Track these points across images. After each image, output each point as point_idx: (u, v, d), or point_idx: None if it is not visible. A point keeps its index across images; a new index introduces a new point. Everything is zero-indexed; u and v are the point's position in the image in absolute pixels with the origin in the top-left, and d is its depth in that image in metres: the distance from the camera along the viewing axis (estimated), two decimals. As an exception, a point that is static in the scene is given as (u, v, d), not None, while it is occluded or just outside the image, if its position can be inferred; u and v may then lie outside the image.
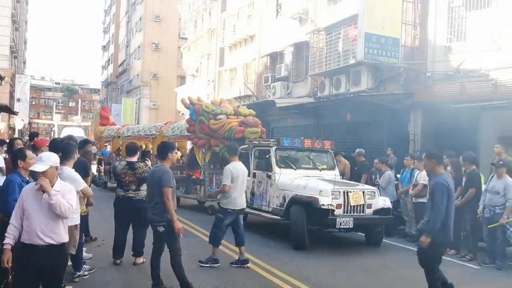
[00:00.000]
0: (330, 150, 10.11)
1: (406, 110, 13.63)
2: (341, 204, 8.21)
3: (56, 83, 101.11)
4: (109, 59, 67.67)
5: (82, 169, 6.20)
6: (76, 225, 5.29)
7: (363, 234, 9.36)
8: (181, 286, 5.63)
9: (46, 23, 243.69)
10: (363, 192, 8.51)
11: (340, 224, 7.98)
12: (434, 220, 5.07)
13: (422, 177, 9.35)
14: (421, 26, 13.52)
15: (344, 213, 8.21)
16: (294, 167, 9.47)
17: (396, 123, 14.02)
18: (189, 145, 15.80)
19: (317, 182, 8.65)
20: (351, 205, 8.26)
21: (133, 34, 50.90)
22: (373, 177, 10.94)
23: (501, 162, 7.91)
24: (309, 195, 8.33)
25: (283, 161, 9.54)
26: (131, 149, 7.26)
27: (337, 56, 14.94)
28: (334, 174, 9.63)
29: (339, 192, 8.24)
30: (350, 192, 8.34)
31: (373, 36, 13.10)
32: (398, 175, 10.53)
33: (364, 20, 13.04)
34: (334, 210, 8.07)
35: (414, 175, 9.72)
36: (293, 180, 8.96)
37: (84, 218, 6.31)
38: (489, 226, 7.68)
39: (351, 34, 14.34)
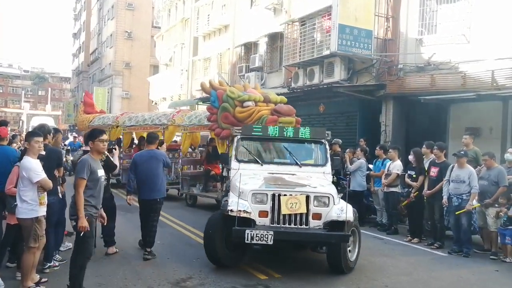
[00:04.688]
0: (322, 141, 7.73)
1: (378, 101, 13.86)
2: (267, 212, 6.19)
3: (24, 71, 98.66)
4: (80, 47, 66.23)
5: (55, 159, 6.04)
6: (37, 217, 5.14)
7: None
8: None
9: (13, 9, 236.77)
10: (307, 197, 6.18)
11: (251, 238, 5.84)
12: None
13: (395, 167, 9.56)
14: (393, 19, 13.71)
15: (272, 223, 6.17)
16: (260, 162, 7.45)
17: (368, 114, 14.24)
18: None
19: (249, 181, 6.65)
20: (283, 213, 6.13)
21: (105, 22, 49.92)
22: (345, 165, 11.13)
23: (462, 152, 8.14)
24: (226, 198, 6.72)
25: (247, 154, 7.65)
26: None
27: (311, 47, 15.01)
28: (323, 171, 7.47)
29: (266, 195, 6.22)
30: (284, 195, 6.17)
31: (347, 27, 13.21)
32: (371, 166, 10.71)
33: (338, 11, 13.12)
34: (252, 219, 6.12)
35: (386, 165, 9.91)
36: (237, 179, 6.92)
37: (56, 209, 6.18)
38: (456, 213, 7.92)
39: (325, 25, 14.42)
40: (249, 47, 21.16)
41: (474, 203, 7.86)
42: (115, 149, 7.65)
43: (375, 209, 10.52)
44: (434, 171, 8.57)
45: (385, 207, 9.92)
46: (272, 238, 5.89)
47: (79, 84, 63.60)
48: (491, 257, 7.78)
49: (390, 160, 9.81)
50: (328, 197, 6.32)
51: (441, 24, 12.42)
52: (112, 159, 7.04)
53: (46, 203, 5.34)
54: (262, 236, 5.89)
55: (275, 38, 19.10)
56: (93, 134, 5.28)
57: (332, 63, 14.29)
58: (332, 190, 6.59)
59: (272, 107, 9.36)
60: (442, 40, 12.25)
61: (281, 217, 6.15)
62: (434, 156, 8.81)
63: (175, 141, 14.97)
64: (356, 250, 6.71)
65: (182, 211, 11.33)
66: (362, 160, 10.59)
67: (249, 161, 7.51)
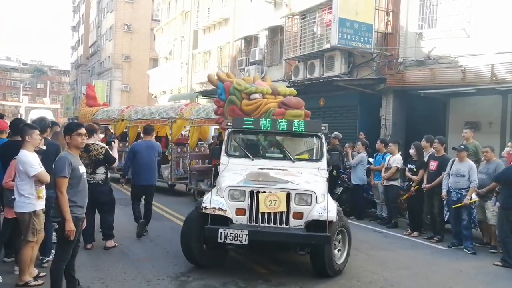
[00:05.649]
0: (318, 134, 7.26)
1: (378, 95, 13.90)
2: (244, 210, 5.83)
3: (23, 63, 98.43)
4: (79, 40, 65.98)
5: (54, 153, 5.81)
6: (35, 211, 5.12)
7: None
8: None
9: (12, 1, 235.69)
10: (288, 195, 5.78)
11: (225, 237, 5.50)
12: None
13: (395, 160, 9.60)
14: (393, 13, 13.71)
15: (250, 222, 5.79)
16: (251, 156, 7.08)
17: (368, 108, 14.27)
18: (212, 131, 14.51)
19: (231, 177, 6.34)
20: (261, 211, 5.74)
21: (104, 14, 49.73)
22: (344, 160, 11.22)
23: (462, 146, 8.17)
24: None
25: (238, 148, 7.36)
26: (87, 131, 7.03)
27: (311, 40, 15.00)
28: (317, 167, 6.97)
29: (244, 191, 5.86)
30: (264, 192, 5.78)
31: (347, 21, 13.22)
32: (371, 160, 10.76)
33: (338, 5, 13.13)
34: (229, 217, 5.77)
35: (386, 159, 9.95)
36: (221, 173, 6.83)
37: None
38: (453, 206, 7.97)
39: (326, 19, 14.41)
40: (249, 41, 21.12)
41: (473, 197, 7.91)
42: (114, 142, 7.69)
43: (375, 203, 10.58)
44: (433, 165, 8.61)
45: (385, 201, 9.98)
46: (247, 238, 5.51)
47: (78, 77, 63.43)
48: (490, 250, 7.85)
49: (390, 154, 9.86)
50: (311, 195, 5.84)
51: (441, 18, 12.42)
52: (111, 152, 7.10)
53: (45, 196, 5.29)
54: (236, 235, 5.51)
55: (275, 32, 19.08)
56: (70, 128, 4.91)
57: (332, 56, 14.31)
58: (318, 187, 6.04)
59: (280, 100, 8.84)
60: (442, 34, 12.27)
61: (260, 215, 5.78)
62: (433, 150, 8.85)
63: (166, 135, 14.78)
64: (345, 252, 6.28)
65: (188, 207, 11.31)
66: (363, 154, 10.64)
67: (239, 156, 7.19)
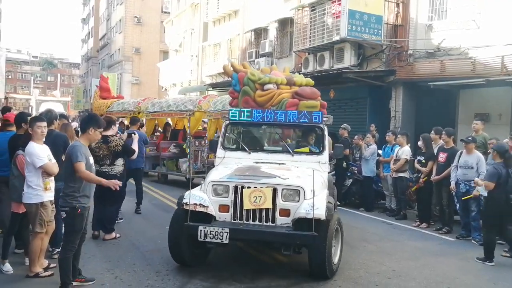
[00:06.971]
0: (321, 126, 6.80)
1: (387, 87, 13.92)
2: (228, 206, 5.50)
3: (33, 56, 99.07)
4: (89, 33, 66.33)
5: (61, 145, 5.87)
6: (42, 202, 5.14)
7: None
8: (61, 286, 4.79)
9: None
10: (274, 190, 5.41)
11: (205, 235, 5.20)
12: None
13: (404, 152, 9.64)
14: (403, 4, 13.69)
15: (234, 219, 5.45)
16: (248, 150, 6.77)
17: (378, 100, 14.29)
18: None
19: (220, 171, 6.03)
20: (245, 208, 5.38)
21: (114, 7, 49.91)
22: (354, 151, 11.28)
23: (470, 138, 8.15)
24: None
25: (235, 141, 7.09)
26: (106, 123, 6.86)
27: (321, 32, 15.02)
28: (318, 161, 6.60)
29: (228, 187, 5.53)
30: (248, 188, 5.41)
31: (357, 13, 13.24)
32: (380, 151, 10.81)
33: (348, -4, 13.15)
34: (211, 214, 5.44)
35: (395, 150, 10.00)
36: (215, 167, 6.55)
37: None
38: (463, 198, 8.01)
39: (335, 11, 14.41)
40: (259, 33, 21.16)
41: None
42: (135, 133, 7.81)
43: (384, 195, 10.65)
44: (442, 157, 8.64)
45: (394, 193, 10.03)
46: (228, 236, 5.18)
47: (89, 70, 63.83)
48: (498, 241, 7.88)
49: (399, 145, 9.90)
50: (298, 191, 5.42)
51: (451, 9, 12.39)
52: (132, 144, 7.25)
53: (53, 188, 5.30)
54: (216, 233, 5.18)
55: (285, 24, 19.09)
56: (96, 122, 5.05)
57: (342, 48, 14.33)
58: (308, 182, 5.44)
59: (295, 90, 8.19)
60: (452, 26, 12.23)
61: (244, 212, 5.41)
62: (442, 142, 8.87)
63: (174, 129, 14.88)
64: (339, 251, 5.95)
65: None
66: (375, 146, 10.70)
67: (236, 149, 6.90)
